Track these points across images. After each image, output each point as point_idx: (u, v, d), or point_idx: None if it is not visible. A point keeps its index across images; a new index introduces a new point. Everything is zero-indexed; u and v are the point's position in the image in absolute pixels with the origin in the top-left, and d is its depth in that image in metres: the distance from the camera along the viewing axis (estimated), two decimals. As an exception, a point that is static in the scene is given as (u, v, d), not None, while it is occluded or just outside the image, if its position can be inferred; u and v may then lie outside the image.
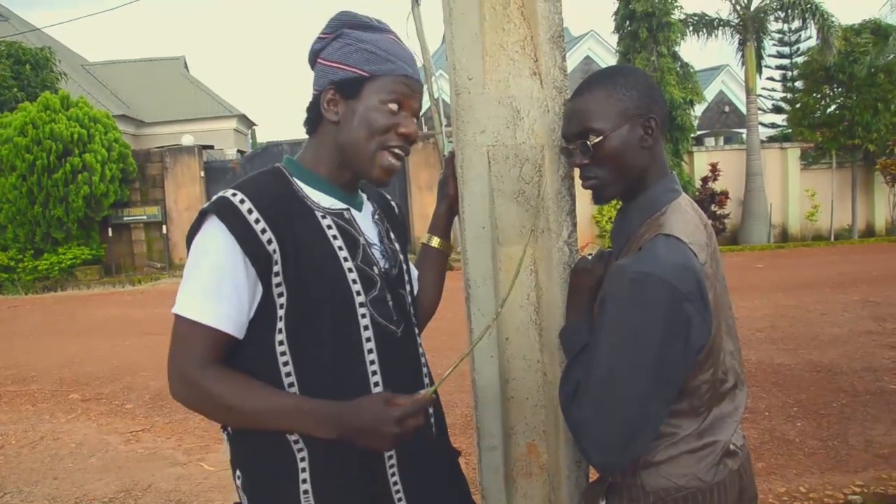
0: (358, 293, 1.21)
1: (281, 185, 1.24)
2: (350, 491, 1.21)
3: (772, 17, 16.93)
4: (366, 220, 1.32)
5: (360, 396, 1.15)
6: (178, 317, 1.16)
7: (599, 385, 1.14)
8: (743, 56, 16.68)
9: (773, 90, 23.36)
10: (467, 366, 1.42)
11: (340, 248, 1.22)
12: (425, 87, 1.34)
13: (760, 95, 20.24)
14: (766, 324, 7.02)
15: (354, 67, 1.22)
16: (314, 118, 1.28)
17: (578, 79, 1.28)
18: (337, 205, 1.27)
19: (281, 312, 1.18)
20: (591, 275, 1.33)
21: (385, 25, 1.28)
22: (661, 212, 1.23)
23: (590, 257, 1.38)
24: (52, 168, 13.55)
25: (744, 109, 18.46)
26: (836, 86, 16.49)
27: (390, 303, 1.27)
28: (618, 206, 1.31)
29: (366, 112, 1.22)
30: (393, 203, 1.49)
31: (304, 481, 1.19)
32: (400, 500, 1.25)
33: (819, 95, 16.95)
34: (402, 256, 1.37)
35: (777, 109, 22.88)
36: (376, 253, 1.29)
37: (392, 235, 1.38)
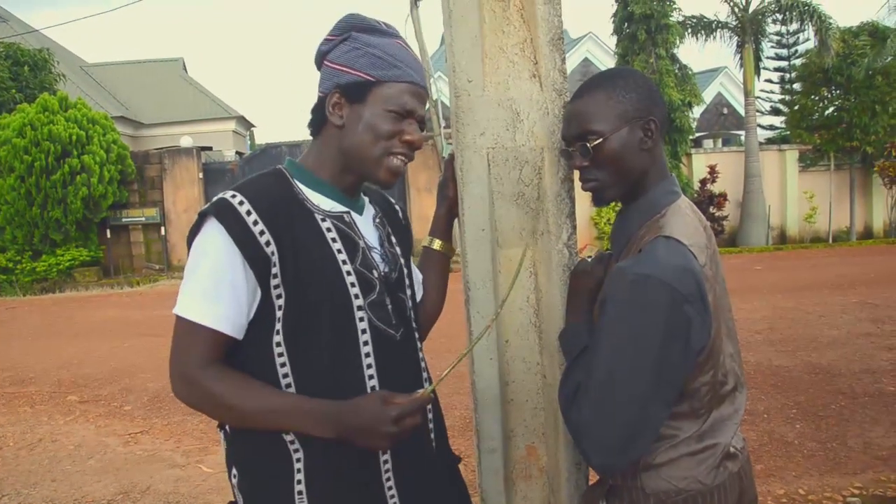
0: (356, 296, 1.21)
1: (281, 187, 1.24)
2: (344, 492, 1.21)
3: (770, 20, 16.98)
4: (366, 224, 1.32)
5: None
6: (178, 317, 1.17)
7: (599, 387, 1.14)
8: (741, 58, 16.71)
9: (772, 92, 23.46)
10: (466, 368, 1.42)
11: (339, 251, 1.22)
12: (424, 88, 1.33)
13: (759, 97, 20.29)
14: (765, 325, 7.03)
15: (361, 72, 1.22)
16: (318, 120, 1.28)
17: (577, 81, 1.29)
18: (337, 208, 1.27)
19: (279, 314, 1.18)
20: (590, 277, 1.33)
21: (393, 30, 1.27)
22: (661, 214, 1.23)
23: (589, 259, 1.38)
24: (50, 169, 13.54)
25: (742, 111, 18.49)
26: (834, 88, 16.53)
27: (389, 306, 1.27)
28: (617, 209, 1.31)
29: (371, 118, 1.22)
30: (397, 207, 1.49)
31: (300, 482, 1.19)
32: (394, 502, 1.25)
33: (817, 97, 16.98)
34: (402, 260, 1.37)
35: (775, 111, 22.93)
36: (376, 256, 1.29)
37: (393, 239, 1.37)
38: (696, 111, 18.05)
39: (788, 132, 19.33)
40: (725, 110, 24.24)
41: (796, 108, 17.82)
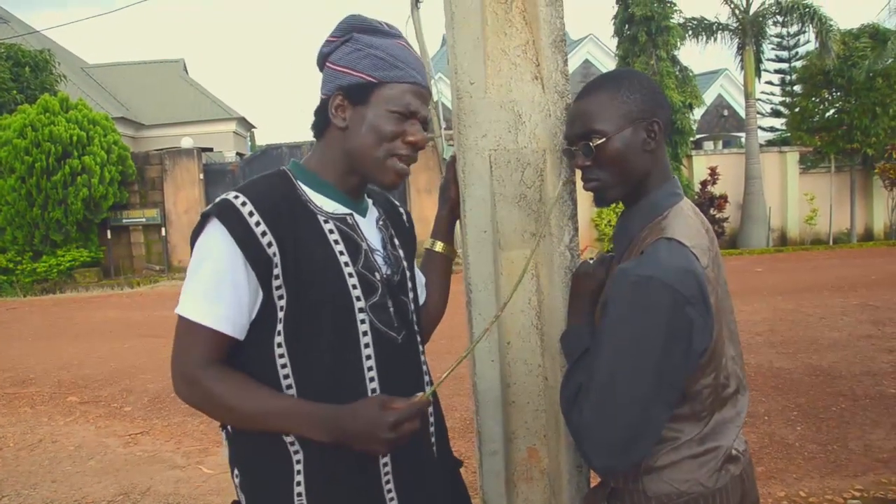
0: (358, 298, 1.21)
1: (285, 188, 1.24)
2: (343, 494, 1.21)
3: (770, 22, 16.99)
4: (369, 226, 1.32)
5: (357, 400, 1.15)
6: (180, 317, 1.17)
7: (601, 389, 1.13)
8: (742, 60, 16.72)
9: (772, 94, 23.45)
10: (467, 370, 1.42)
11: (341, 253, 1.22)
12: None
13: (759, 99, 20.31)
14: (766, 327, 7.02)
15: (363, 73, 1.21)
16: (322, 122, 1.27)
17: (577, 82, 1.29)
18: (341, 210, 1.27)
19: (280, 315, 1.18)
20: (592, 279, 1.33)
21: (395, 30, 1.27)
22: (663, 216, 1.23)
23: (591, 261, 1.37)
24: (51, 170, 13.54)
25: (743, 113, 18.48)
26: (834, 90, 16.53)
27: (391, 309, 1.27)
28: (618, 210, 1.31)
29: (374, 119, 1.22)
30: (401, 209, 1.48)
31: (299, 483, 1.19)
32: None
33: (818, 99, 16.98)
34: (405, 263, 1.36)
35: (776, 113, 22.93)
36: (378, 259, 1.28)
37: (396, 242, 1.37)
38: (697, 113, 18.04)
39: (789, 134, 19.33)
40: (726, 112, 24.25)
41: (797, 110, 17.82)
